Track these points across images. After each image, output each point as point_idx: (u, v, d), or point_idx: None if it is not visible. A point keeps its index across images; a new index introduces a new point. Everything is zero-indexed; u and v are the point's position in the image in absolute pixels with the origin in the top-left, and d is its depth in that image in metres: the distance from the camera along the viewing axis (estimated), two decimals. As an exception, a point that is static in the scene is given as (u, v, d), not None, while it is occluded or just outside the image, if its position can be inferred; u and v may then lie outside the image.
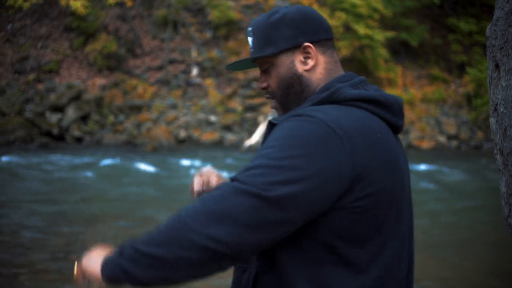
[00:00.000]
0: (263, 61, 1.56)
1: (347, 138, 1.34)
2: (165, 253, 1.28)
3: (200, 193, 1.73)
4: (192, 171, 12.30)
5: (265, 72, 1.57)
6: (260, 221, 1.28)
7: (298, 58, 1.53)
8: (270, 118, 1.53)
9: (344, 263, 1.38)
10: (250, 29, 1.59)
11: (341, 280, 1.37)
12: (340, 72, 1.56)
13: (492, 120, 1.71)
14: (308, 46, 1.52)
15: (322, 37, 1.54)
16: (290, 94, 1.54)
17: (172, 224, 1.31)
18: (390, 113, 1.49)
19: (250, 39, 1.59)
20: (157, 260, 1.28)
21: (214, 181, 1.74)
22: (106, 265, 1.34)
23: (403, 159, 1.51)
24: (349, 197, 1.34)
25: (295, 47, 1.52)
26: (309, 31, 1.53)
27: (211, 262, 1.29)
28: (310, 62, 1.53)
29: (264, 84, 1.58)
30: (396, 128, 1.52)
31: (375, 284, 1.39)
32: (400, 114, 1.53)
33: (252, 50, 1.58)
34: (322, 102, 1.45)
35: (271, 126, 1.46)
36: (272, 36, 1.52)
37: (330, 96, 1.45)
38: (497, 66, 1.68)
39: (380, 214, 1.39)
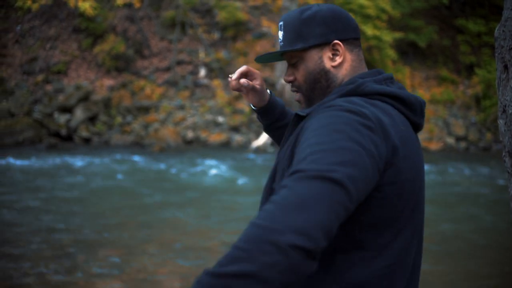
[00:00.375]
0: (292, 55, 1.62)
1: (380, 126, 1.38)
2: (248, 268, 1.10)
3: (242, 75, 1.78)
4: (204, 169, 12.32)
5: (293, 66, 1.64)
6: (333, 205, 1.20)
7: (327, 54, 1.60)
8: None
9: (357, 248, 1.41)
10: (281, 23, 1.65)
11: (353, 265, 1.40)
12: (364, 70, 1.63)
13: (500, 122, 1.69)
14: (337, 44, 1.59)
15: (351, 36, 1.61)
16: (316, 89, 1.61)
17: (247, 235, 1.14)
18: (411, 111, 1.54)
19: (280, 33, 1.65)
20: (239, 278, 1.09)
21: (258, 80, 1.82)
22: None
23: (422, 157, 1.56)
24: (384, 178, 1.37)
25: (325, 43, 1.59)
26: (339, 29, 1.59)
27: (300, 262, 1.13)
28: (338, 59, 1.59)
29: (291, 78, 1.64)
30: (416, 127, 1.58)
31: (385, 271, 1.42)
32: (421, 113, 1.58)
33: (281, 44, 1.64)
34: (348, 94, 1.51)
35: (297, 118, 1.52)
36: (303, 32, 1.59)
37: (356, 89, 1.50)
38: (506, 67, 1.66)
39: (400, 204, 1.43)
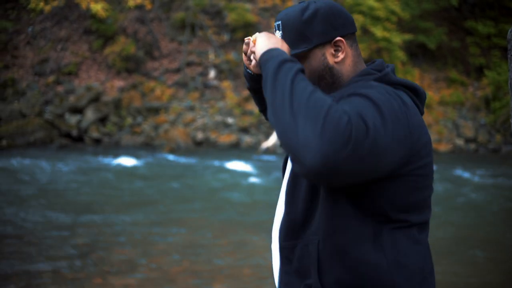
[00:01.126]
0: (295, 55, 1.62)
1: (411, 111, 1.49)
2: (296, 106, 1.31)
3: None
4: (215, 170, 12.37)
5: None
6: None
7: (329, 51, 1.62)
8: None
9: (400, 229, 1.49)
10: (278, 23, 1.64)
11: (394, 243, 1.48)
12: (363, 64, 1.67)
13: (513, 122, 1.74)
14: (340, 40, 1.61)
15: (350, 31, 1.64)
16: (321, 86, 1.62)
17: (317, 101, 1.32)
18: (420, 102, 1.63)
19: (278, 33, 1.64)
20: (285, 101, 1.33)
21: None
22: (267, 54, 1.47)
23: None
24: (415, 163, 1.46)
25: (327, 41, 1.61)
26: (340, 26, 1.61)
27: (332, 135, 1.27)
28: (341, 55, 1.62)
29: None
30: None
31: (426, 252, 1.54)
32: (423, 104, 1.67)
33: None
34: (379, 80, 1.57)
35: None
36: (306, 33, 1.60)
37: (383, 77, 1.57)
38: (518, 69, 1.71)
39: (427, 185, 1.53)
